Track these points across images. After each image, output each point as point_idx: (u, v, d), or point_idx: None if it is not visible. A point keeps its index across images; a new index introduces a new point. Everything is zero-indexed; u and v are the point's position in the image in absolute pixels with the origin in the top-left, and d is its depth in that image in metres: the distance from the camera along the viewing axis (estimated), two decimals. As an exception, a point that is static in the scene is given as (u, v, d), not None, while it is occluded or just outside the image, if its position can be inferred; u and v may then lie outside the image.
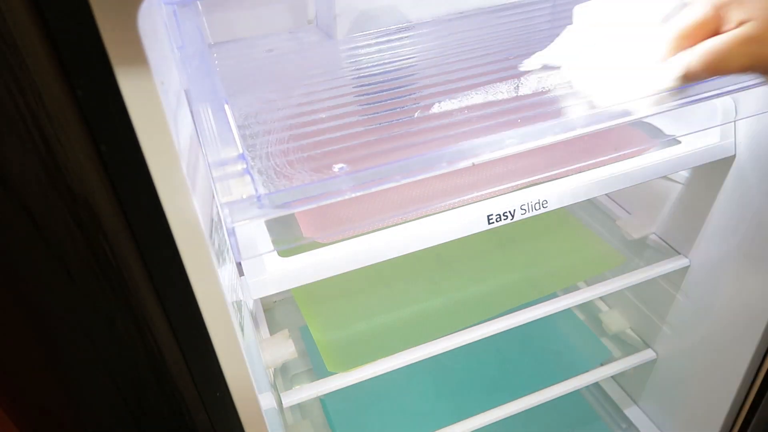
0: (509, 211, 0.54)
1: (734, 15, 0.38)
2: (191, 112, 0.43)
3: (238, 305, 0.45)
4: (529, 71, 0.52)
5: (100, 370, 0.38)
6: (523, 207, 0.54)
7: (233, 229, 0.38)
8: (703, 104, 0.62)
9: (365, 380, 0.62)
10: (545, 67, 0.51)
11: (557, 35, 0.51)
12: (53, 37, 0.27)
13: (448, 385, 0.84)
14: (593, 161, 0.58)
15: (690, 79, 0.39)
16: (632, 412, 0.89)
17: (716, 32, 0.39)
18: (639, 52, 0.43)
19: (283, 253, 0.51)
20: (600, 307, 0.91)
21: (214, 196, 0.42)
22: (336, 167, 0.41)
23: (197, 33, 0.56)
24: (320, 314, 0.69)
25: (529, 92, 0.50)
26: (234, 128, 0.43)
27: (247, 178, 0.38)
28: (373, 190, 0.38)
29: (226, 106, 0.45)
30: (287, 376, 0.87)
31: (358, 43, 0.61)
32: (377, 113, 0.49)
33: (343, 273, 0.51)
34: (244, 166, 0.39)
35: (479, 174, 0.63)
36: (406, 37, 0.63)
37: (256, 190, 0.37)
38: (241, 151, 0.40)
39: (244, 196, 0.37)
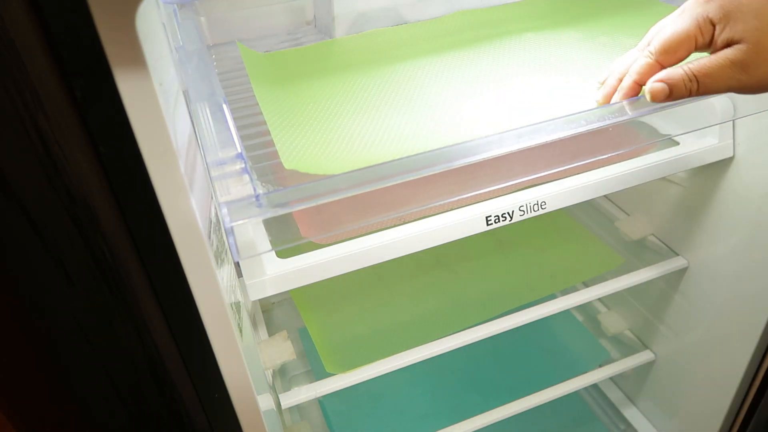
0: (508, 213, 0.54)
1: (721, 34, 0.37)
2: (189, 112, 0.43)
3: (237, 306, 0.45)
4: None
5: (99, 371, 0.38)
6: (521, 208, 0.54)
7: (232, 228, 0.37)
8: (702, 104, 0.62)
9: (364, 381, 0.62)
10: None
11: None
12: (52, 38, 0.27)
13: (447, 387, 0.84)
14: (591, 160, 0.58)
15: (674, 98, 0.39)
16: (631, 413, 0.89)
17: (698, 47, 0.38)
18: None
19: (282, 255, 0.51)
20: (599, 309, 0.91)
21: (212, 197, 0.42)
22: None
23: (196, 33, 0.56)
24: (319, 315, 0.69)
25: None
26: (233, 128, 0.42)
27: (246, 177, 0.38)
28: (371, 188, 0.38)
29: (225, 106, 0.45)
30: (286, 377, 0.87)
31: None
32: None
33: (342, 274, 0.51)
34: (243, 165, 0.39)
35: (478, 175, 0.63)
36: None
37: (255, 190, 0.37)
38: (239, 150, 0.40)
39: (243, 196, 0.36)
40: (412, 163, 0.40)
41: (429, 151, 0.41)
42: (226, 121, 0.43)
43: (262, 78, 0.53)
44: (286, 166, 0.40)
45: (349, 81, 0.52)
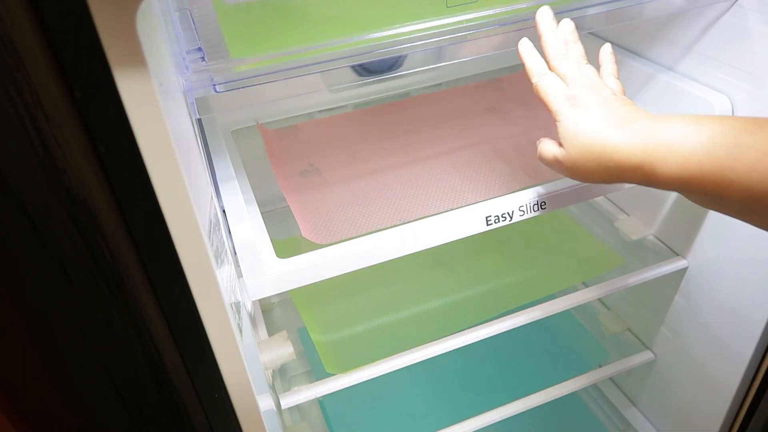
0: (508, 213, 0.54)
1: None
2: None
3: (237, 307, 0.45)
4: None
5: (98, 371, 0.38)
6: (521, 208, 0.54)
7: (191, 92, 0.45)
8: (699, 102, 0.62)
9: (364, 382, 0.62)
10: None
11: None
12: (51, 38, 0.27)
13: (447, 387, 0.84)
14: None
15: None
16: (630, 414, 0.89)
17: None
18: None
19: (282, 255, 0.51)
20: (599, 309, 0.91)
21: (212, 197, 0.42)
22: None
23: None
24: (318, 315, 0.69)
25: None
26: (194, 26, 0.46)
27: (203, 64, 0.46)
28: (309, 68, 0.47)
29: (189, 13, 0.47)
30: (286, 377, 0.87)
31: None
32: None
33: (342, 274, 0.51)
34: (201, 55, 0.45)
35: (477, 174, 0.63)
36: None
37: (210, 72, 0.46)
38: (199, 44, 0.45)
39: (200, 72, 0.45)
40: (351, 43, 0.46)
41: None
42: (190, 21, 0.47)
43: (227, 14, 0.57)
44: (233, 56, 0.47)
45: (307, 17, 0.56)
